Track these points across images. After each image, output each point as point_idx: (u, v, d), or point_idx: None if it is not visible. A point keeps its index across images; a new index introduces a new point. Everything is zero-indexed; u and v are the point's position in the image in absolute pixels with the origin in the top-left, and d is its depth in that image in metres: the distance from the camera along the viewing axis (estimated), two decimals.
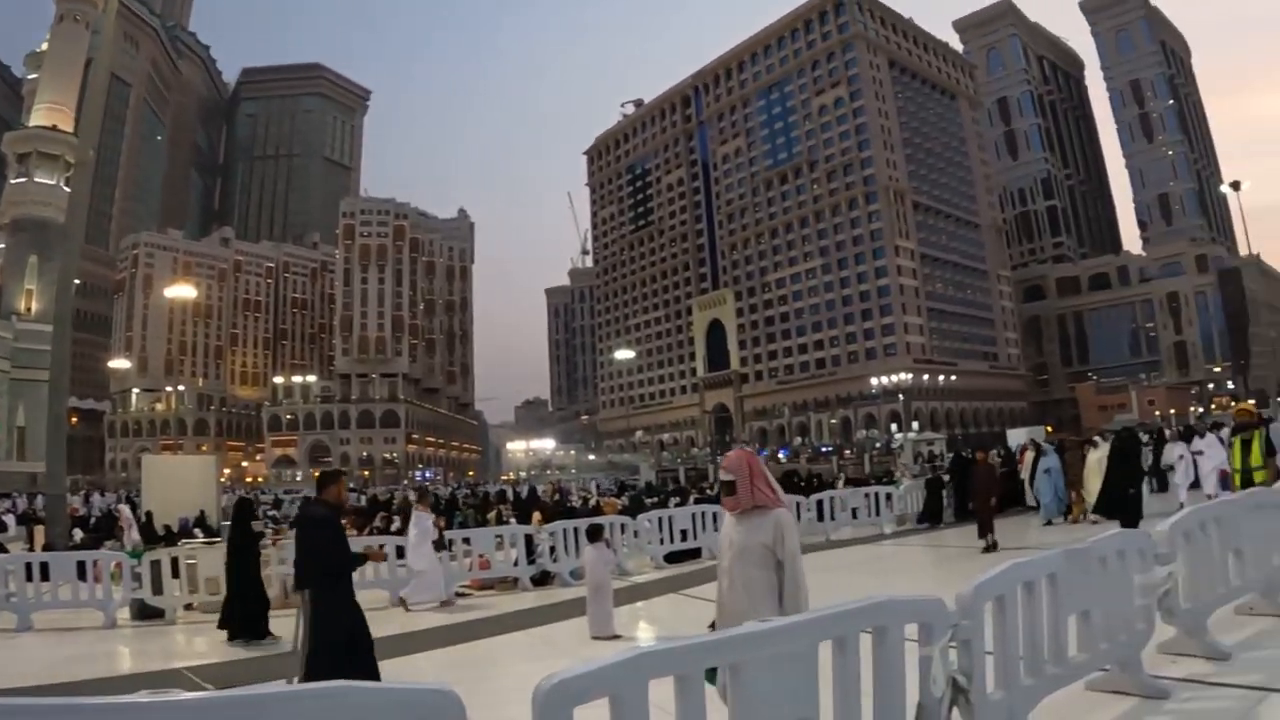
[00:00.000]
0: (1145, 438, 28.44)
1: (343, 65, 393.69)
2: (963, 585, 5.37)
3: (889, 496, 25.59)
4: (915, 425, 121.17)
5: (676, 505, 24.80)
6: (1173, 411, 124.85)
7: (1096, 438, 22.18)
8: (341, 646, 7.56)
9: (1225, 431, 28.55)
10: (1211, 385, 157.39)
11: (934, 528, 23.98)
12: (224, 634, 12.58)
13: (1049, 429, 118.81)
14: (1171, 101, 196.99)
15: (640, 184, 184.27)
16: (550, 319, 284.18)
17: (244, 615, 12.46)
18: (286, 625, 10.02)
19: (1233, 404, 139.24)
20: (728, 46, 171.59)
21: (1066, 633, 6.05)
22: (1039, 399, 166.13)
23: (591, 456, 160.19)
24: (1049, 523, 20.82)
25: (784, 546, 5.82)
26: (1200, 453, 20.12)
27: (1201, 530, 7.77)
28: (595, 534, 12.57)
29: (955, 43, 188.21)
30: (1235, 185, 77.47)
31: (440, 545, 16.14)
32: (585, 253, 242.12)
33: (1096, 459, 19.93)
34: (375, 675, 7.51)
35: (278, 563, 15.26)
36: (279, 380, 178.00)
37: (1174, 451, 21.34)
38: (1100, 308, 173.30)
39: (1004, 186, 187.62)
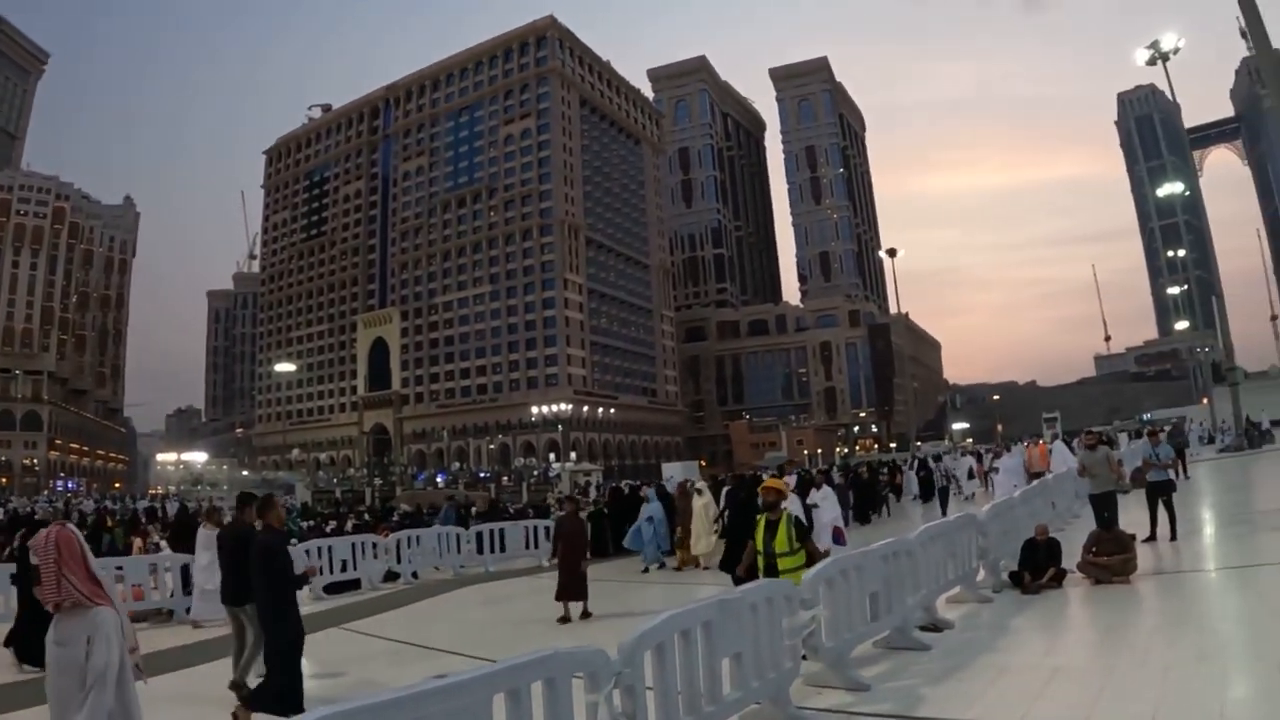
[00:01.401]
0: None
1: (21, 21, 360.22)
2: (623, 624, 6.21)
3: (549, 530, 24.98)
4: (573, 455, 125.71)
5: (332, 532, 24.76)
6: (819, 451, 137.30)
7: (700, 484, 22.24)
8: (293, 656, 8.60)
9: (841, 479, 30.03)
10: (857, 429, 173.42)
11: (596, 560, 23.12)
12: None
13: (703, 463, 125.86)
14: (842, 170, 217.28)
15: (318, 191, 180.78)
16: (210, 324, 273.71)
17: (37, 637, 12.39)
18: None
19: (874, 448, 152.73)
20: (427, 62, 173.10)
21: (721, 673, 6.65)
22: (695, 434, 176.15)
23: (245, 473, 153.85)
24: (646, 570, 20.44)
25: (91, 661, 4.84)
26: (816, 505, 19.28)
27: (842, 577, 8.68)
28: None
29: (648, 90, 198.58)
30: (891, 252, 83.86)
31: None
32: (253, 257, 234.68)
33: (702, 505, 20.14)
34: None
35: None
36: None
37: (793, 504, 20.63)
38: (757, 351, 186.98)
39: (676, 231, 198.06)
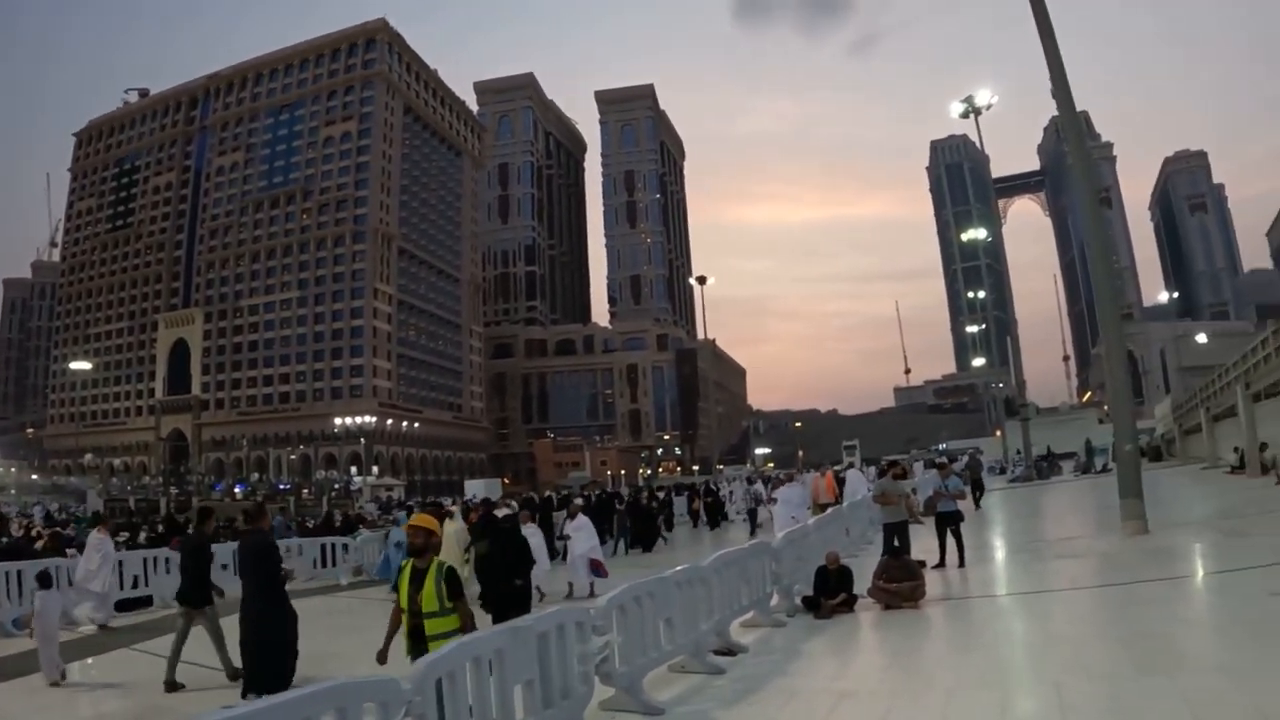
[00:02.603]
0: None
1: None
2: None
3: (345, 547, 25.09)
4: (375, 469, 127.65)
5: (124, 544, 23.57)
6: (623, 472, 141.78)
7: (453, 508, 20.87)
8: (289, 644, 9.86)
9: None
10: (661, 451, 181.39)
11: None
12: None
13: (506, 480, 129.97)
14: (659, 196, 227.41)
15: (127, 180, 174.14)
16: (5, 314, 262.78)
17: None
18: None
19: (678, 471, 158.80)
20: (252, 54, 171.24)
21: (514, 699, 6.79)
22: (499, 451, 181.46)
23: (35, 476, 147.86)
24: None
25: None
26: (568, 537, 19.22)
27: (636, 603, 8.88)
28: (46, 580, 12.28)
29: (473, 102, 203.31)
30: (701, 279, 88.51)
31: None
32: (54, 245, 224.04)
33: (453, 532, 18.06)
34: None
35: None
36: None
37: (535, 534, 18.33)
38: (564, 371, 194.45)
39: (490, 246, 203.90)
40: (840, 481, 29.92)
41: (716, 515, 37.03)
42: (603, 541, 26.35)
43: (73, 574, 17.07)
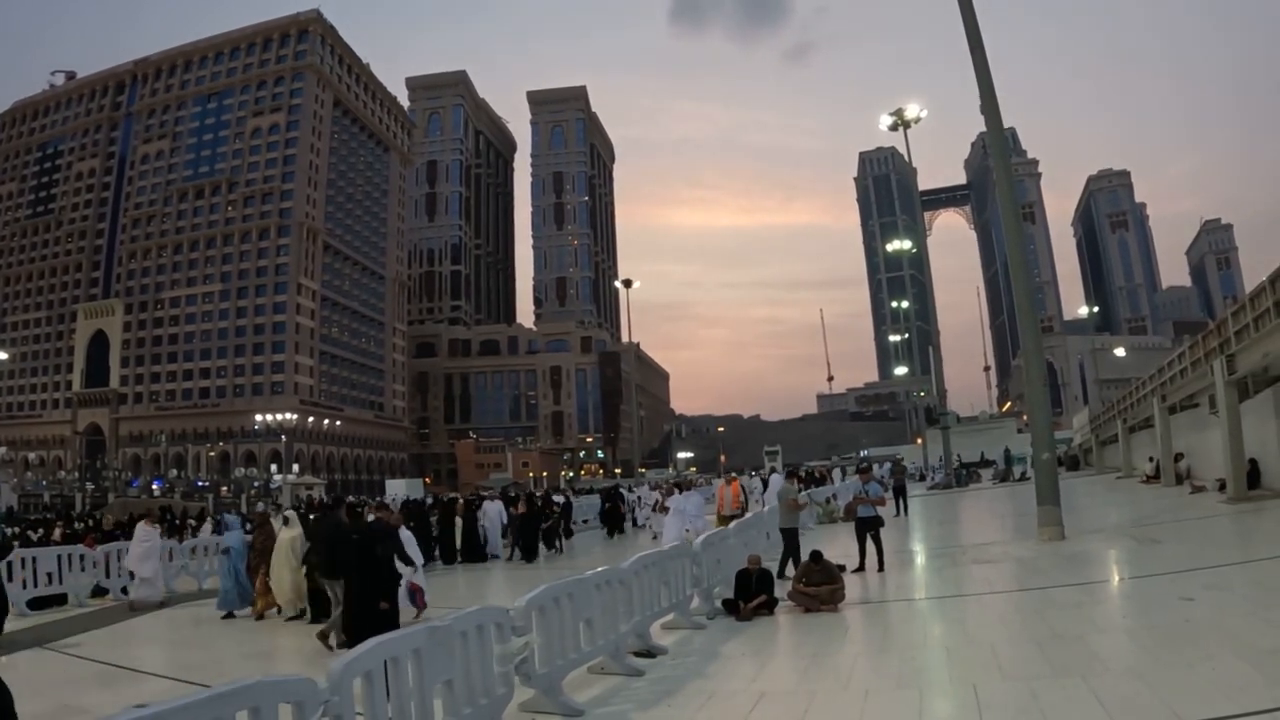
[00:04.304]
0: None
1: None
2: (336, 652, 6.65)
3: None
4: (296, 467, 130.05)
5: (39, 541, 23.74)
6: (545, 474, 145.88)
7: (288, 513, 18.40)
8: (386, 609, 11.86)
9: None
10: (583, 453, 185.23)
11: None
12: None
13: (427, 480, 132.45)
14: (587, 198, 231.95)
15: (49, 165, 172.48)
16: None
17: None
18: None
19: (600, 473, 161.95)
20: (181, 40, 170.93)
21: (432, 700, 6.90)
22: (420, 451, 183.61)
23: None
24: (230, 615, 17.08)
25: None
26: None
27: (555, 604, 9.05)
28: None
29: (404, 98, 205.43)
30: (627, 283, 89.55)
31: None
32: None
33: (289, 539, 16.40)
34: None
35: None
36: None
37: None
38: (487, 372, 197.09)
39: (415, 244, 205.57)
40: (745, 490, 30.01)
41: (617, 522, 35.88)
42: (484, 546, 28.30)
43: None
